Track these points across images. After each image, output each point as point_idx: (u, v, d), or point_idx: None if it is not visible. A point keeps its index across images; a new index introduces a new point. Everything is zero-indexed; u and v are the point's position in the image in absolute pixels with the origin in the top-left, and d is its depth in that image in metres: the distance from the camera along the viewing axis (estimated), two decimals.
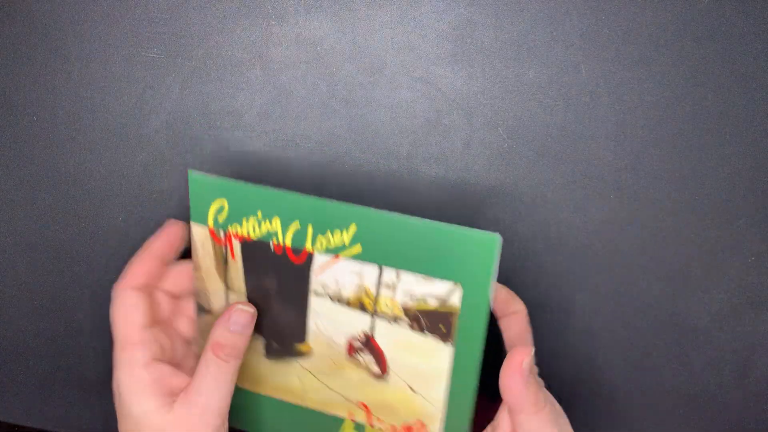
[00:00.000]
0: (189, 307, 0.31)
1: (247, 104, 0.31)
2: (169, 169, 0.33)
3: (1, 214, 0.36)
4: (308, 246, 0.26)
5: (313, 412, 0.30)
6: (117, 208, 0.34)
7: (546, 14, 0.28)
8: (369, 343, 0.27)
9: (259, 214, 0.26)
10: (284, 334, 0.29)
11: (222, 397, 0.26)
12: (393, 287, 0.26)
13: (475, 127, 0.30)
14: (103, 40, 0.31)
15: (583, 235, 0.31)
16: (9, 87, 0.33)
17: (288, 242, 0.26)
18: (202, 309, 0.30)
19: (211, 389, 0.26)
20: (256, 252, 0.27)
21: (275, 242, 0.27)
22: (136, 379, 0.26)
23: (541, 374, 0.27)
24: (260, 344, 0.29)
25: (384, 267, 0.25)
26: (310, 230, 0.26)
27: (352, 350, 0.28)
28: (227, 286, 0.29)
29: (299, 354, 0.29)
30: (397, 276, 0.25)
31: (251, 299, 0.29)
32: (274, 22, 0.30)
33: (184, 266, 0.30)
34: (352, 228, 0.25)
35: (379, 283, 0.26)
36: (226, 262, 0.28)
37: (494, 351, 0.28)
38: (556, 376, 0.33)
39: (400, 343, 0.26)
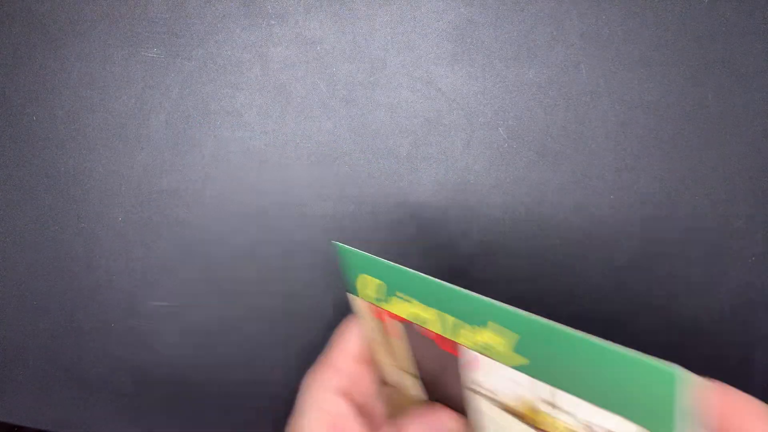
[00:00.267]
0: None
1: (247, 104, 0.31)
2: (169, 169, 0.33)
3: (1, 214, 0.36)
4: (452, 336, 0.23)
5: None
6: (117, 208, 0.34)
7: (546, 14, 0.28)
8: None
9: (404, 293, 0.23)
10: None
11: None
12: (565, 411, 0.21)
13: (475, 127, 0.30)
14: (103, 40, 0.31)
15: (583, 235, 0.31)
16: (9, 87, 0.33)
17: (433, 328, 0.23)
18: (380, 377, 0.27)
19: None
20: (413, 332, 0.24)
21: (423, 326, 0.23)
22: None
23: None
24: None
25: (553, 387, 0.21)
26: (452, 320, 0.22)
27: None
28: (396, 362, 0.26)
29: None
30: (569, 400, 0.21)
31: (423, 380, 0.26)
32: (274, 22, 0.30)
33: None
34: (513, 336, 0.21)
35: (547, 402, 0.21)
36: (388, 337, 0.25)
37: None
38: None
39: None
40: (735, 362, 0.32)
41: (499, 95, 0.29)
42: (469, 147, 0.30)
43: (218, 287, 0.34)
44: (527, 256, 0.31)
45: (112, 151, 0.33)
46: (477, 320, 0.21)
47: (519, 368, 0.21)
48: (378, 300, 0.24)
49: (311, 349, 0.34)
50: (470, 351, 0.22)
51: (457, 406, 0.25)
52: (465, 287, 0.22)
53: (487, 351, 0.22)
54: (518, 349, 0.21)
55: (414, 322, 0.23)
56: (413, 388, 0.27)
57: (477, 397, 0.23)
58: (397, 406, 0.27)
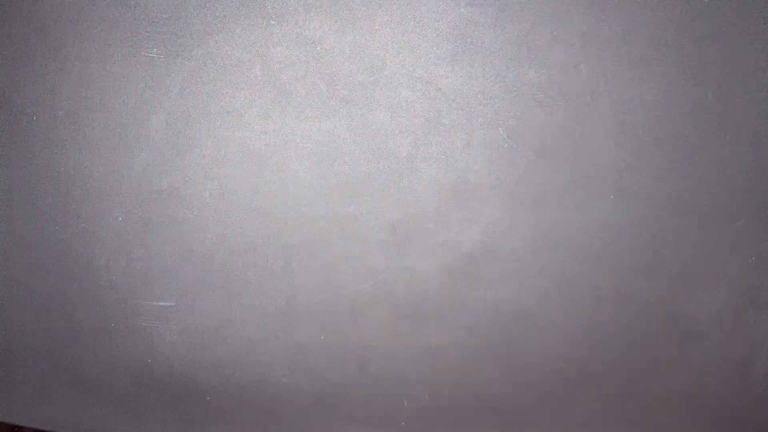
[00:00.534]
0: None
1: (247, 104, 0.31)
2: (169, 169, 0.33)
3: (1, 214, 0.36)
4: None
5: None
6: (117, 208, 0.34)
7: (546, 14, 0.28)
8: None
9: None
10: None
11: None
12: None
13: (475, 127, 0.30)
14: (103, 40, 0.31)
15: (583, 235, 0.31)
16: (9, 87, 0.33)
17: None
18: None
19: None
20: None
21: None
22: None
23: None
24: None
25: None
26: None
27: None
28: None
29: None
30: None
31: None
32: (274, 22, 0.30)
33: None
34: None
35: None
36: None
37: None
38: (556, 376, 0.33)
39: None
40: (735, 362, 0.32)
41: (499, 95, 0.29)
42: (469, 147, 0.30)
43: (218, 287, 0.34)
44: (527, 256, 0.31)
45: (112, 151, 0.33)
46: None
47: None
48: None
49: (311, 349, 0.34)
50: None
51: None
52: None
53: None
54: None
55: None
56: None
57: None
58: None
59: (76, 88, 0.32)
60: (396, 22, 0.29)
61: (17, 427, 0.43)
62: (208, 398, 0.36)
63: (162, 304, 0.35)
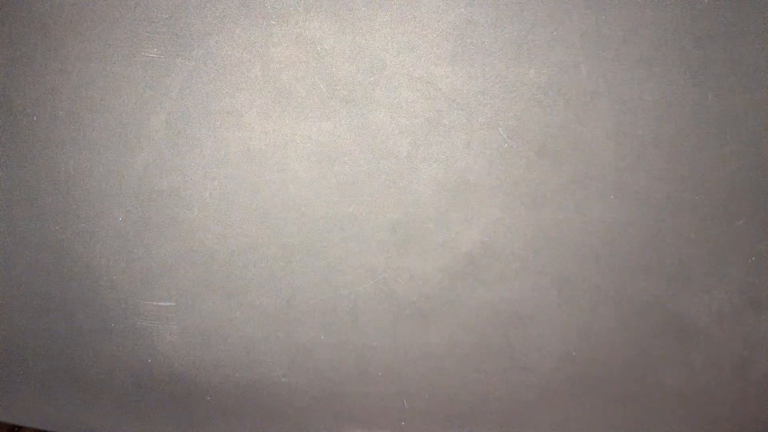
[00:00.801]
0: None
1: (247, 104, 0.31)
2: (169, 169, 0.33)
3: (1, 214, 0.36)
4: None
5: None
6: (117, 208, 0.34)
7: (546, 14, 0.28)
8: None
9: None
10: None
11: None
12: None
13: (475, 127, 0.30)
14: (103, 40, 0.31)
15: (583, 235, 0.31)
16: (9, 87, 0.33)
17: None
18: None
19: None
20: None
21: None
22: None
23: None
24: None
25: None
26: None
27: None
28: None
29: None
30: None
31: None
32: (274, 22, 0.30)
33: None
34: None
35: None
36: None
37: None
38: (556, 376, 0.33)
39: None
40: (735, 362, 0.32)
41: (499, 95, 0.29)
42: (469, 147, 0.30)
43: (218, 287, 0.34)
44: (527, 256, 0.31)
45: (112, 151, 0.33)
46: None
47: None
48: None
49: (311, 349, 0.34)
50: None
51: None
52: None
53: None
54: None
55: None
56: None
57: None
58: None
59: (76, 88, 0.32)
60: (396, 22, 0.29)
61: (17, 427, 0.43)
62: (208, 398, 0.36)
63: (162, 304, 0.35)
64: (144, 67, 0.31)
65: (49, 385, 0.39)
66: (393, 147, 0.31)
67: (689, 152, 0.29)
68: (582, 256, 0.31)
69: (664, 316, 0.32)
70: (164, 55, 0.31)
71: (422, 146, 0.30)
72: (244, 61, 0.31)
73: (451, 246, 0.31)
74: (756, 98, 0.28)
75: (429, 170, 0.31)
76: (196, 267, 0.33)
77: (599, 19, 0.28)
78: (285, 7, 0.30)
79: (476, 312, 0.32)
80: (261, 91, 0.31)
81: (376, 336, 0.33)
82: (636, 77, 0.28)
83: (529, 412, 0.34)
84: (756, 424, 0.33)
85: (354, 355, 0.33)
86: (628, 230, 0.30)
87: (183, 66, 0.31)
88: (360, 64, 0.30)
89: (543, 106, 0.29)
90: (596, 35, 0.28)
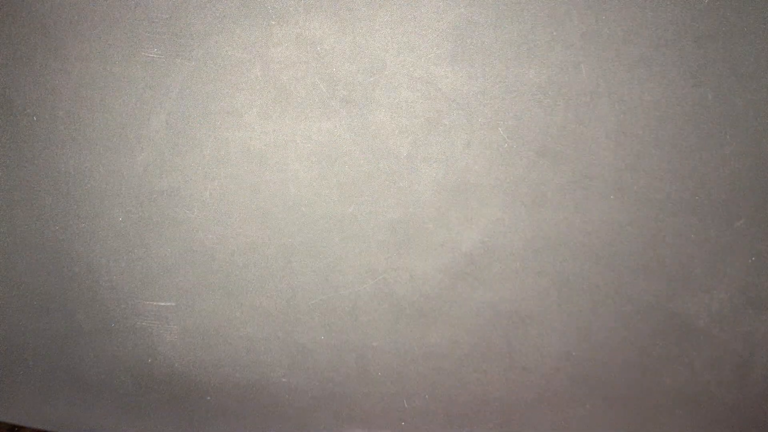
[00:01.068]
0: None
1: (247, 104, 0.31)
2: (169, 169, 0.33)
3: (1, 214, 0.36)
4: None
5: None
6: (117, 208, 0.34)
7: (546, 14, 0.28)
8: None
9: None
10: None
11: None
12: None
13: (475, 127, 0.30)
14: (103, 40, 0.31)
15: (583, 235, 0.31)
16: (9, 87, 0.33)
17: None
18: None
19: None
20: None
21: None
22: None
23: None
24: None
25: None
26: None
27: None
28: None
29: None
30: None
31: None
32: (274, 22, 0.30)
33: None
34: None
35: None
36: None
37: None
38: (556, 376, 0.33)
39: None
40: (735, 362, 0.32)
41: (499, 95, 0.29)
42: (469, 147, 0.30)
43: (218, 287, 0.34)
44: (527, 256, 0.31)
45: (112, 151, 0.33)
46: None
47: None
48: None
49: (311, 349, 0.34)
50: None
51: None
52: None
53: None
54: None
55: None
56: None
57: None
58: None
59: (77, 88, 0.32)
60: (396, 22, 0.29)
61: (17, 427, 0.43)
62: (209, 398, 0.36)
63: (162, 304, 0.35)
64: (144, 67, 0.31)
65: (49, 385, 0.39)
66: (393, 147, 0.31)
67: (689, 152, 0.29)
68: (582, 256, 0.31)
69: (664, 316, 0.32)
70: (164, 55, 0.31)
71: (422, 146, 0.30)
72: (244, 61, 0.31)
73: (451, 246, 0.31)
74: (756, 98, 0.28)
75: (429, 170, 0.31)
76: (196, 267, 0.33)
77: (599, 19, 0.28)
78: (285, 7, 0.30)
79: (476, 312, 0.32)
80: (261, 91, 0.31)
81: (376, 336, 0.33)
82: (636, 77, 0.28)
83: (529, 412, 0.34)
84: (756, 424, 0.33)
85: (354, 355, 0.33)
86: (628, 230, 0.30)
87: (183, 66, 0.31)
88: (360, 64, 0.30)
89: (543, 106, 0.29)
90: (596, 35, 0.28)
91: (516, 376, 0.33)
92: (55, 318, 0.37)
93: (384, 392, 0.34)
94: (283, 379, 0.34)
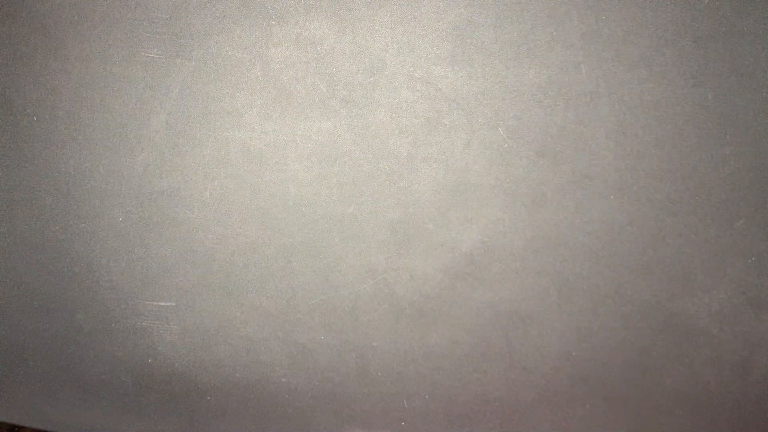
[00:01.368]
0: None
1: (247, 104, 0.31)
2: (169, 169, 0.33)
3: (1, 214, 0.36)
4: None
5: None
6: (117, 208, 0.34)
7: (546, 14, 0.28)
8: None
9: None
10: None
11: None
12: None
13: (475, 127, 0.30)
14: (103, 41, 0.31)
15: (583, 235, 0.31)
16: (9, 87, 0.33)
17: None
18: None
19: None
20: None
21: None
22: None
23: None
24: None
25: None
26: None
27: None
28: None
29: None
30: None
31: None
32: (274, 22, 0.30)
33: None
34: None
35: None
36: None
37: None
38: (556, 376, 0.33)
39: None
40: (734, 362, 0.32)
41: (499, 95, 0.29)
42: (469, 147, 0.30)
43: (218, 287, 0.34)
44: (527, 256, 0.31)
45: (112, 151, 0.33)
46: None
47: None
48: None
49: (311, 349, 0.34)
50: None
51: None
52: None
53: None
54: None
55: None
56: None
57: None
58: None
59: (77, 88, 0.32)
60: (396, 22, 0.29)
61: (17, 427, 0.43)
62: (209, 398, 0.36)
63: (162, 304, 0.35)
64: (144, 67, 0.31)
65: (49, 385, 0.39)
66: (393, 147, 0.31)
67: (689, 152, 0.29)
68: (582, 256, 0.31)
69: (664, 316, 0.32)
70: (164, 55, 0.31)
71: (422, 146, 0.30)
72: (244, 61, 0.31)
73: (451, 246, 0.31)
74: (756, 98, 0.28)
75: (429, 170, 0.31)
76: (196, 267, 0.34)
77: (599, 19, 0.28)
78: (285, 7, 0.30)
79: (476, 312, 0.32)
80: (261, 91, 0.31)
81: (376, 336, 0.33)
82: (636, 77, 0.28)
83: (529, 412, 0.34)
84: (756, 424, 0.33)
85: (354, 355, 0.33)
86: (628, 230, 0.30)
87: (183, 66, 0.31)
88: (360, 64, 0.30)
89: (543, 106, 0.29)
90: (596, 35, 0.28)
91: (516, 376, 0.33)
92: (55, 318, 0.37)
93: (384, 392, 0.34)
94: (283, 379, 0.34)
